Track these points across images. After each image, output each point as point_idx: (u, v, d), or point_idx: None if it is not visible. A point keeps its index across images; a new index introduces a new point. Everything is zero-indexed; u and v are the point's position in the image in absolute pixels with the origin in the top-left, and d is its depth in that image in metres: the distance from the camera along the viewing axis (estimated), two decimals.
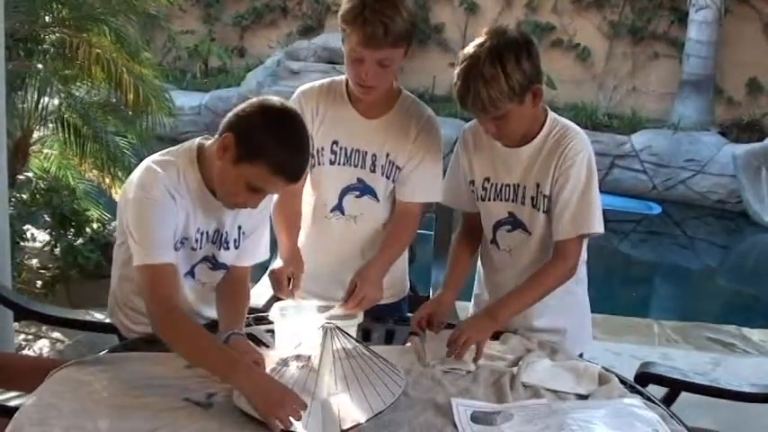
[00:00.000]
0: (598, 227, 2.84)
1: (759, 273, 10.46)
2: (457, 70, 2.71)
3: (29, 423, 2.16)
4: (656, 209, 11.66)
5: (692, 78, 12.67)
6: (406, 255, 3.37)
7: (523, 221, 2.94)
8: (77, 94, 6.28)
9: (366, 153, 3.08)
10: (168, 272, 2.55)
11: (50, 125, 6.19)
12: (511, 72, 2.63)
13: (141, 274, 2.55)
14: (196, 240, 2.74)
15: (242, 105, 2.57)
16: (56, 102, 6.09)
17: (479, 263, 3.24)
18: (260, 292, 3.79)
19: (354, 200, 3.13)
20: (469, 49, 2.71)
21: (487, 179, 2.97)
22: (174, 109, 7.01)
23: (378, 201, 3.13)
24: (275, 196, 2.96)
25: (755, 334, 6.14)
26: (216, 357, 2.40)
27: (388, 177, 3.10)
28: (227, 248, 2.84)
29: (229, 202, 2.64)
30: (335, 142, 3.08)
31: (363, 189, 3.12)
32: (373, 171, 3.09)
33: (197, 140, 2.72)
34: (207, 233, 2.77)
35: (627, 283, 9.54)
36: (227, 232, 2.81)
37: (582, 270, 3.04)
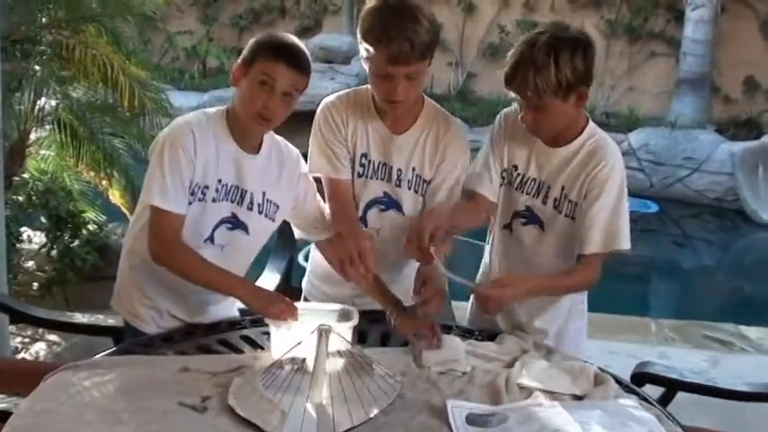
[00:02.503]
0: (626, 244, 2.89)
1: (756, 270, 10.46)
2: (511, 52, 2.73)
3: (23, 427, 2.15)
4: (653, 207, 11.65)
5: (688, 77, 12.67)
6: None
7: (542, 219, 2.95)
8: (74, 95, 6.26)
9: (392, 168, 3.07)
10: (177, 220, 2.75)
11: (47, 126, 6.18)
12: (562, 66, 2.64)
13: (151, 213, 2.77)
14: (216, 191, 2.82)
15: None
16: (53, 103, 6.08)
17: (487, 250, 3.24)
18: None
19: (379, 213, 3.12)
20: (528, 35, 2.73)
21: (515, 167, 2.97)
22: (172, 109, 6.98)
23: (403, 214, 3.10)
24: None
25: (753, 332, 6.15)
26: (216, 276, 2.78)
27: (416, 192, 3.09)
28: (251, 210, 2.91)
29: (253, 113, 2.76)
30: (364, 155, 3.07)
31: (389, 203, 3.11)
32: (399, 186, 3.08)
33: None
34: (227, 186, 2.84)
35: (624, 281, 9.53)
36: (251, 193, 2.89)
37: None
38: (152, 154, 2.80)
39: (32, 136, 6.18)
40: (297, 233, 3.23)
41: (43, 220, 6.04)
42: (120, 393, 2.35)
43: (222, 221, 2.88)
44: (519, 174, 2.96)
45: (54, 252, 5.93)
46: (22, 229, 5.96)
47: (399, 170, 3.07)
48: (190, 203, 2.78)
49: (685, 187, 11.84)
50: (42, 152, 6.36)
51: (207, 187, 2.79)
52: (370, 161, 3.08)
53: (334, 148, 3.04)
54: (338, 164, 3.06)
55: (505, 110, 3.05)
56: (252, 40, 2.80)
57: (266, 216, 2.95)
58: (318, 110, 3.08)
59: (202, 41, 15.19)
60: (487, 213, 3.06)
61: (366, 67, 2.88)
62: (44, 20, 6.14)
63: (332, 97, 3.11)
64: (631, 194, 10.09)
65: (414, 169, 3.06)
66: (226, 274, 2.79)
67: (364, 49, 2.82)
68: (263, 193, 2.92)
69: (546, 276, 2.94)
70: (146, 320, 2.97)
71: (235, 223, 2.90)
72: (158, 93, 6.34)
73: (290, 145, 3.03)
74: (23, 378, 2.66)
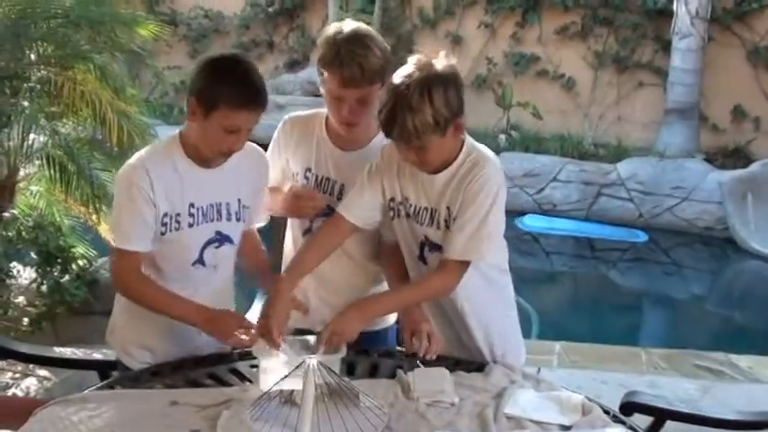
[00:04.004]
0: (489, 256, 2.92)
1: (746, 299, 10.48)
2: (383, 99, 2.78)
3: None
4: (642, 236, 11.67)
5: (676, 106, 12.70)
6: None
7: (439, 244, 2.96)
8: (63, 131, 6.27)
9: (335, 182, 3.20)
10: (135, 258, 2.85)
11: (36, 162, 6.18)
12: (438, 105, 2.71)
13: (116, 254, 2.90)
14: (191, 215, 2.88)
15: (193, 70, 2.84)
16: (42, 139, 6.09)
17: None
18: None
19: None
20: (397, 78, 2.77)
21: (407, 199, 3.01)
22: None
23: None
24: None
25: (743, 360, 6.15)
26: (171, 304, 2.84)
27: None
28: (230, 220, 2.97)
29: (217, 153, 2.85)
30: (308, 169, 3.23)
31: (331, 215, 3.16)
32: (340, 200, 3.15)
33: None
34: (202, 209, 2.89)
35: (614, 311, 9.54)
36: (227, 204, 2.95)
37: (510, 292, 3.17)
38: (114, 191, 2.92)
39: (22, 172, 6.19)
40: None
41: (33, 255, 6.02)
42: (110, 428, 2.36)
43: (208, 243, 2.93)
44: (411, 205, 3.01)
45: (44, 287, 5.91)
46: (12, 264, 5.95)
47: (342, 185, 3.20)
48: (163, 234, 2.84)
49: (674, 217, 11.84)
50: (32, 188, 6.36)
51: (179, 214, 2.85)
52: (313, 174, 3.23)
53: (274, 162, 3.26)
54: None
55: (387, 143, 3.05)
56: (205, 71, 2.79)
57: (242, 221, 3.03)
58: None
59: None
60: (345, 235, 3.10)
61: (322, 90, 3.08)
62: (33, 56, 6.14)
63: (292, 114, 3.36)
64: (621, 224, 10.15)
65: None
66: (182, 302, 2.84)
67: (319, 73, 3.05)
68: (239, 201, 2.99)
69: (385, 295, 3.13)
70: (137, 359, 2.99)
71: (220, 240, 2.96)
72: (147, 128, 6.35)
73: (255, 146, 3.10)
74: (13, 414, 2.66)
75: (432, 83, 2.71)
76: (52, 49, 6.17)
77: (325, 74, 3.01)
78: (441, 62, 2.78)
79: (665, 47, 13.24)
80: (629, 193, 11.99)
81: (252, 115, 2.78)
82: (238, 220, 2.99)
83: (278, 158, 3.28)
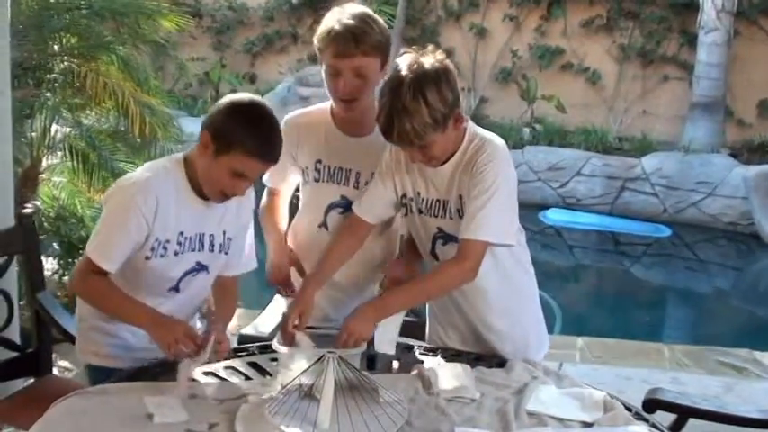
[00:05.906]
0: (501, 238, 2.85)
1: None
2: (380, 104, 2.75)
3: None
4: (666, 231, 11.64)
5: (702, 100, 12.64)
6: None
7: (454, 234, 2.93)
8: (86, 122, 6.30)
9: (350, 171, 3.18)
10: (102, 271, 2.74)
11: (59, 153, 6.21)
12: (433, 103, 2.68)
13: (85, 260, 2.77)
14: (179, 244, 2.82)
15: (215, 105, 2.78)
16: (64, 130, 6.11)
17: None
18: (265, 321, 3.80)
19: (338, 216, 3.21)
20: (389, 82, 2.76)
21: (419, 194, 2.99)
22: (185, 135, 7.01)
23: None
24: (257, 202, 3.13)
25: None
26: (122, 304, 2.75)
27: None
28: (212, 251, 2.91)
29: (217, 194, 2.78)
30: (319, 161, 3.20)
31: (347, 205, 3.17)
32: (356, 188, 3.16)
33: (184, 152, 2.88)
34: (190, 238, 2.84)
35: (638, 306, 9.51)
36: (210, 235, 2.89)
37: (533, 283, 3.17)
38: (108, 201, 2.82)
39: (44, 163, 6.21)
40: None
41: (55, 246, 6.04)
42: (128, 419, 2.36)
43: (187, 272, 2.89)
44: (423, 199, 2.99)
45: (66, 278, 5.93)
46: None
47: (357, 173, 3.18)
48: (148, 258, 2.78)
49: (699, 212, 11.79)
50: (54, 179, 6.38)
51: (168, 241, 2.79)
52: (325, 166, 3.20)
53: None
54: (277, 176, 3.27)
55: None
56: (229, 111, 2.72)
57: (225, 253, 2.96)
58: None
59: (215, 68, 15.25)
60: (365, 235, 3.10)
61: (323, 74, 3.08)
62: (56, 47, 6.17)
63: (292, 114, 3.30)
64: (645, 219, 10.10)
65: (373, 174, 3.09)
66: (134, 303, 2.75)
67: (318, 51, 3.07)
68: (224, 233, 2.93)
69: (401, 290, 2.98)
70: (113, 356, 2.97)
71: (198, 269, 2.92)
72: (169, 120, 6.36)
73: None
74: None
75: (423, 82, 2.68)
76: (75, 40, 6.20)
77: (322, 49, 3.03)
78: (429, 59, 2.75)
79: (691, 41, 13.18)
80: (653, 187, 11.95)
81: (263, 168, 2.78)
82: (220, 251, 2.94)
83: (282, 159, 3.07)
